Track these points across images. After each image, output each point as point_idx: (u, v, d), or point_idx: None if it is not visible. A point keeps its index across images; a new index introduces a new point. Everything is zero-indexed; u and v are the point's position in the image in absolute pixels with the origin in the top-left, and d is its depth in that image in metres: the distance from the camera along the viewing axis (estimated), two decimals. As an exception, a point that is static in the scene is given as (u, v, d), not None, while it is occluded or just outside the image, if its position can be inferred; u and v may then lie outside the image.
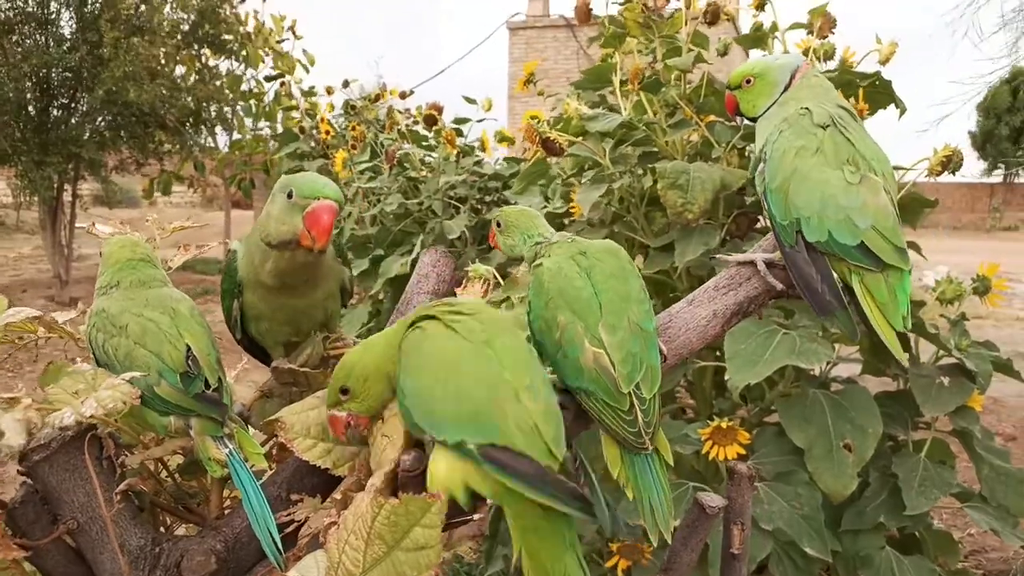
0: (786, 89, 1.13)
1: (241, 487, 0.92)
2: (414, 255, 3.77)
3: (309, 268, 1.13)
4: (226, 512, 1.04)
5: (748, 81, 1.17)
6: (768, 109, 1.14)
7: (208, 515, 1.03)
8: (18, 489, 0.89)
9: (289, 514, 0.92)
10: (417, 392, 0.88)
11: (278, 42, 10.46)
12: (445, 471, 0.85)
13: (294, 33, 10.28)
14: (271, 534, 0.90)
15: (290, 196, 1.05)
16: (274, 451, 1.13)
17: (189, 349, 1.00)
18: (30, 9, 9.28)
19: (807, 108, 1.06)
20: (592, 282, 1.00)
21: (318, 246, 1.03)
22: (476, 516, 0.96)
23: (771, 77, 1.15)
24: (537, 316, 1.02)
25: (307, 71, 10.10)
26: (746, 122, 2.56)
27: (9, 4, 9.20)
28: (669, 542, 0.93)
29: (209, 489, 1.05)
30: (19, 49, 9.17)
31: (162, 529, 1.09)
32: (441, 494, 0.80)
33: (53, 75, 9.48)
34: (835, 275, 1.00)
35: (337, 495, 0.91)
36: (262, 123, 11.33)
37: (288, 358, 1.19)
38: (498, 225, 1.17)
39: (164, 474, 1.09)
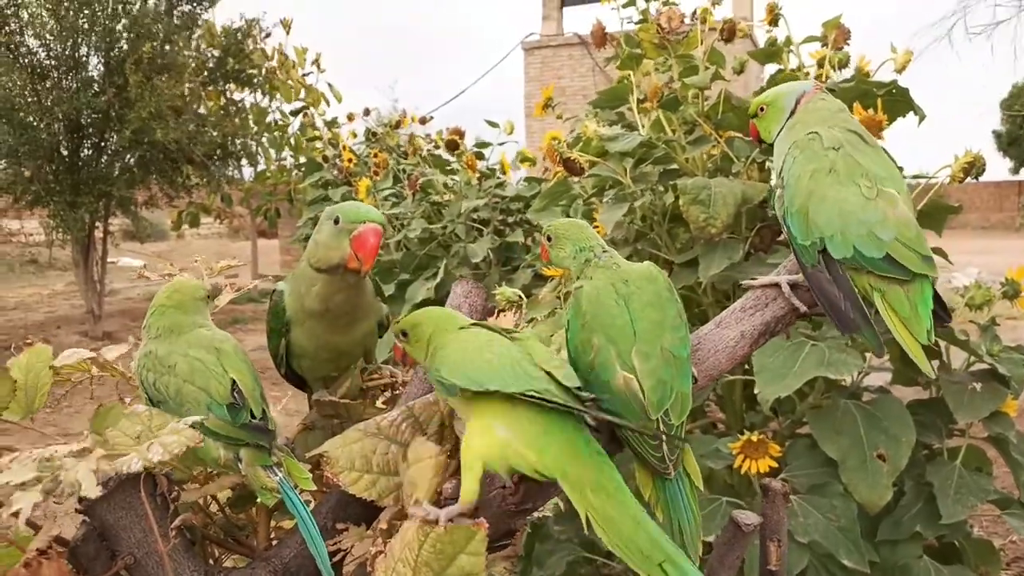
0: (792, 114, 1.18)
1: (295, 511, 0.96)
2: (439, 279, 3.82)
3: (353, 294, 1.20)
4: (273, 543, 1.07)
5: (762, 109, 1.24)
6: (779, 134, 1.19)
7: (257, 546, 1.06)
8: (78, 527, 0.93)
9: (336, 543, 0.96)
10: (452, 362, 0.98)
11: (303, 75, 10.68)
12: (480, 445, 0.92)
13: (318, 66, 10.49)
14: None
15: (336, 222, 1.12)
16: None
17: (234, 383, 1.05)
18: (61, 52, 9.56)
19: (816, 132, 1.10)
20: (629, 310, 1.03)
21: (364, 268, 1.11)
22: (516, 536, 1.00)
23: (779, 104, 1.21)
24: (574, 336, 1.06)
25: (339, 101, 10.31)
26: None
27: (44, 50, 9.49)
28: (695, 564, 0.95)
29: (257, 521, 1.09)
30: (52, 94, 9.44)
31: (211, 561, 1.12)
32: (484, 521, 0.83)
33: (83, 117, 9.73)
34: (857, 292, 1.02)
35: (383, 524, 0.94)
36: (285, 153, 11.55)
37: (328, 391, 1.24)
38: (548, 239, 1.18)
39: (213, 508, 1.13)
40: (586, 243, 1.13)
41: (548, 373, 0.95)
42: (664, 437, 0.97)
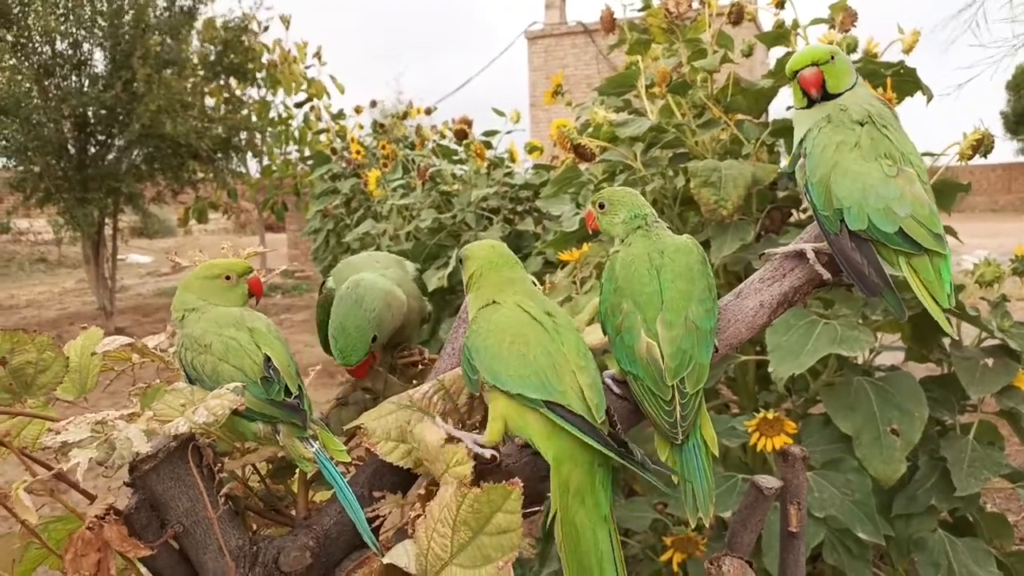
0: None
1: (332, 479, 1.00)
2: (451, 268, 3.86)
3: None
4: (312, 513, 1.11)
5: (832, 57, 1.15)
6: (849, 90, 1.14)
7: (296, 516, 1.10)
8: (129, 497, 0.98)
9: (373, 510, 1.00)
10: (484, 349, 1.01)
11: (306, 68, 10.71)
12: (504, 408, 0.98)
13: (319, 59, 10.53)
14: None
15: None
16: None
17: (268, 359, 1.08)
18: (65, 51, 9.61)
19: (845, 106, 1.11)
20: (660, 279, 1.06)
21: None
22: (539, 508, 1.03)
23: (845, 58, 1.16)
24: (605, 299, 1.11)
25: (341, 93, 10.35)
26: (773, 118, 2.60)
27: (48, 47, 9.54)
28: (707, 526, 0.99)
29: (296, 492, 1.13)
30: (57, 91, 9.50)
31: (251, 532, 1.16)
32: (519, 481, 0.87)
33: (90, 114, 9.79)
34: (881, 258, 1.05)
35: (420, 490, 0.98)
36: (290, 147, 11.61)
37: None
38: (600, 206, 1.19)
39: (254, 480, 1.17)
40: (639, 211, 1.16)
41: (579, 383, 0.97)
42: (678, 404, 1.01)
